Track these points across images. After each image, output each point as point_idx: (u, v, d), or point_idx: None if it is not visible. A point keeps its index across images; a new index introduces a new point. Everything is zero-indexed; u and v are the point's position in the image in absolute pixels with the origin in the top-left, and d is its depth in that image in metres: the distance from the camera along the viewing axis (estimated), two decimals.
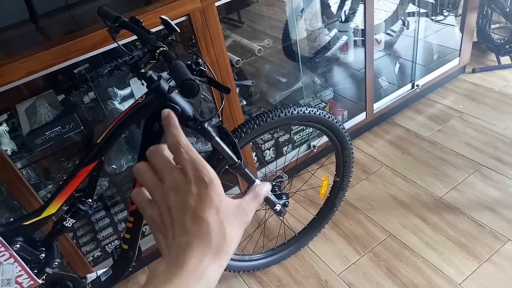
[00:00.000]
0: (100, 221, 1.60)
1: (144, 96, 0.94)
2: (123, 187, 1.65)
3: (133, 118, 0.95)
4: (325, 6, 2.09)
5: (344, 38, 2.14)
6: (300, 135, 1.91)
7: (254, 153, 1.81)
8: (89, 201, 1.00)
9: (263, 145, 1.82)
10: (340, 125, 1.34)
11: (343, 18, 2.09)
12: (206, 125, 0.99)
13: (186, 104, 0.97)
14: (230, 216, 0.37)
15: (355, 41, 2.18)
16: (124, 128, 0.94)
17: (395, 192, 1.78)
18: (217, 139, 1.02)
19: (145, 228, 1.59)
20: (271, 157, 1.87)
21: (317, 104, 2.00)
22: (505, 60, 2.35)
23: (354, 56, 2.18)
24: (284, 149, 1.88)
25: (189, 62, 0.85)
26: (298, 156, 1.86)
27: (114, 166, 1.51)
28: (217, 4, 1.29)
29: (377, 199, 1.77)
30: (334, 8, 2.10)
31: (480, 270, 1.42)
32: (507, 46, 2.18)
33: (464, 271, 1.42)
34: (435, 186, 1.76)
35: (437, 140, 1.99)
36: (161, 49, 0.84)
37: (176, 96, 0.95)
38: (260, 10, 2.20)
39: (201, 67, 0.84)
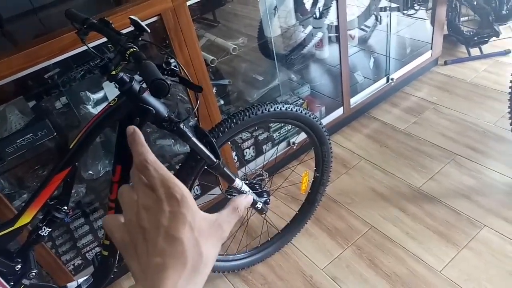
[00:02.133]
0: (79, 229, 1.57)
1: (116, 98, 0.92)
2: (102, 193, 1.62)
3: (106, 122, 0.93)
4: (299, 3, 2.10)
5: (319, 34, 2.16)
6: (279, 132, 1.92)
7: (234, 152, 1.81)
8: (64, 209, 0.97)
9: (242, 144, 1.81)
10: (317, 121, 1.35)
11: (317, 15, 2.10)
12: (181, 125, 0.98)
13: (160, 105, 0.95)
14: (206, 232, 0.35)
15: (330, 37, 2.20)
16: (96, 133, 0.92)
17: (375, 184, 1.81)
18: (194, 139, 1.02)
19: None
20: (251, 156, 1.87)
21: (295, 101, 2.01)
22: (474, 51, 2.42)
23: (330, 52, 2.20)
24: (264, 147, 1.88)
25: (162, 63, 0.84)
26: (278, 154, 1.86)
27: (91, 172, 1.48)
28: (189, 3, 1.28)
29: (357, 192, 1.79)
30: (308, 5, 2.11)
31: (458, 256, 1.46)
32: (475, 38, 2.24)
33: (443, 258, 1.46)
34: (413, 177, 1.80)
35: (413, 131, 2.03)
36: (131, 50, 0.82)
37: (149, 97, 0.94)
38: (235, 9, 2.20)
39: (172, 67, 0.83)
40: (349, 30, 2.22)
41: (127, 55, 0.83)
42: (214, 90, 1.80)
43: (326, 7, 2.10)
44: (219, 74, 1.93)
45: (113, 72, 0.87)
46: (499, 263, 1.40)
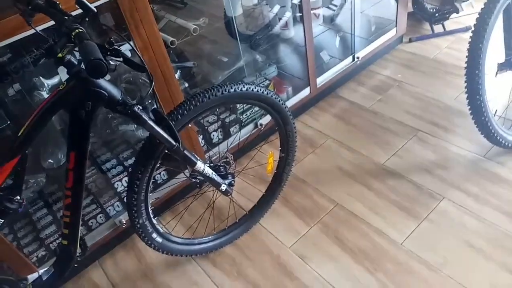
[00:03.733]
0: (42, 219, 1.53)
1: (65, 82, 0.89)
2: (64, 182, 1.58)
3: (55, 107, 0.89)
4: None
5: (287, 14, 2.14)
6: (246, 114, 1.91)
7: (201, 136, 1.79)
8: (17, 198, 0.95)
9: (209, 127, 1.80)
10: (279, 101, 1.35)
11: None
12: (136, 109, 0.96)
13: (113, 88, 0.93)
14: None
15: (295, 17, 2.18)
16: (46, 119, 0.89)
17: (341, 163, 1.84)
18: (150, 123, 1.00)
19: (91, 222, 1.55)
20: (219, 139, 1.86)
21: (261, 82, 2.00)
22: (438, 28, 2.46)
23: (295, 32, 2.18)
24: (232, 129, 1.87)
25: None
26: (248, 136, 1.86)
27: (51, 161, 1.44)
28: None
29: (324, 171, 1.82)
30: None
31: (419, 228, 1.51)
32: (437, 15, 2.28)
33: (405, 231, 1.51)
34: (377, 153, 1.84)
35: (378, 109, 2.07)
36: (77, 30, 0.79)
37: (101, 80, 0.91)
38: None
39: (115, 47, 0.80)
40: (314, 9, 2.21)
41: (72, 36, 0.80)
42: (178, 73, 1.77)
43: None
44: (184, 56, 1.90)
45: (60, 55, 0.83)
46: (457, 232, 1.47)
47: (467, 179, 1.64)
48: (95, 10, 0.85)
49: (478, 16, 1.48)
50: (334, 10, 2.46)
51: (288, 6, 2.07)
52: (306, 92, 2.05)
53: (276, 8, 2.12)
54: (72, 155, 0.96)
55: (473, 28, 1.48)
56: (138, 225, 1.25)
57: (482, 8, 1.47)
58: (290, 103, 2.00)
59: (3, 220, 0.94)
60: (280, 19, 2.10)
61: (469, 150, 1.76)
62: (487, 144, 1.68)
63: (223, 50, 1.98)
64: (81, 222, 1.09)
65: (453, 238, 1.45)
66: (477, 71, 1.48)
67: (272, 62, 2.10)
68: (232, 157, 1.43)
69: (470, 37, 1.49)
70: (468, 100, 1.54)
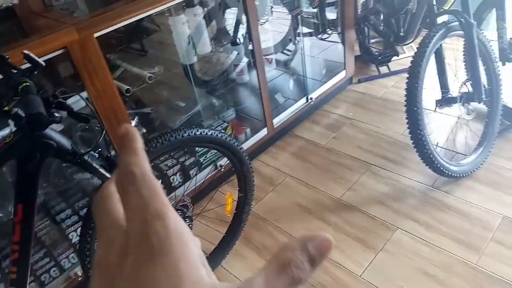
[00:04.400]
0: None
1: (12, 134, 0.90)
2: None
3: (3, 159, 0.90)
4: (220, 30, 2.18)
5: (245, 60, 2.25)
6: (206, 156, 1.94)
7: (160, 180, 1.80)
8: None
9: (168, 171, 1.82)
10: (233, 143, 1.40)
11: (241, 41, 2.19)
12: (86, 157, 0.98)
13: (62, 138, 0.95)
14: None
15: (250, 63, 2.29)
16: None
17: (299, 199, 1.89)
18: (101, 170, 1.01)
19: (44, 277, 1.48)
20: (179, 182, 1.87)
21: (219, 125, 2.06)
22: (383, 69, 2.66)
23: (250, 76, 2.29)
24: (191, 172, 1.89)
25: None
26: (207, 177, 1.89)
27: (1, 214, 1.39)
28: (96, 35, 1.28)
29: (283, 208, 1.86)
30: (231, 31, 2.20)
31: (376, 259, 1.56)
32: (379, 58, 2.47)
33: (362, 263, 1.55)
34: (334, 188, 1.90)
35: (333, 146, 2.17)
36: (24, 84, 0.82)
37: (50, 131, 0.93)
38: (163, 37, 2.23)
39: (60, 100, 0.83)
40: (267, 55, 2.34)
41: (19, 90, 0.82)
42: (135, 119, 1.80)
43: (247, 33, 2.20)
44: (141, 102, 1.94)
45: (6, 108, 0.85)
46: (411, 261, 1.53)
47: (418, 209, 1.73)
48: (44, 64, 0.88)
49: (412, 59, 1.63)
50: (288, 55, 2.62)
51: (243, 53, 2.18)
52: (263, 132, 2.12)
53: (233, 55, 2.23)
54: (20, 207, 0.95)
55: (409, 70, 1.62)
56: None
57: (415, 52, 1.62)
58: (249, 143, 2.06)
59: None
60: (236, 65, 2.20)
61: (417, 181, 1.86)
62: (433, 175, 1.79)
63: (181, 95, 2.04)
64: (31, 278, 1.06)
65: (408, 267, 1.51)
66: (415, 108, 1.61)
67: (230, 105, 2.18)
68: (189, 200, 1.44)
69: (407, 77, 1.63)
70: (410, 135, 1.66)
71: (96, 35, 1.29)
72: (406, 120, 1.65)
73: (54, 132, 0.92)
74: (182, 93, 2.06)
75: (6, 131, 1.30)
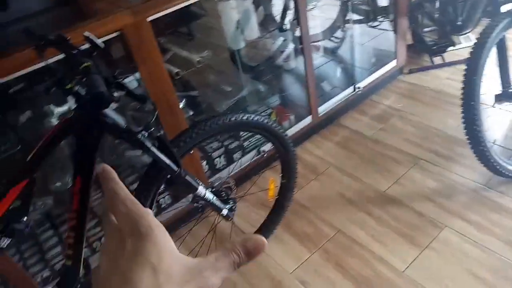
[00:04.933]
0: (48, 241, 1.57)
1: (73, 111, 0.95)
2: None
3: (63, 134, 0.95)
4: (267, 16, 2.17)
5: (291, 46, 2.22)
6: (249, 141, 1.96)
7: (205, 161, 1.84)
8: (24, 220, 0.99)
9: (213, 153, 1.85)
10: (278, 129, 1.40)
11: (288, 27, 2.17)
12: (139, 136, 1.01)
13: (118, 117, 0.99)
14: (176, 279, 0.27)
15: (297, 49, 2.26)
16: (54, 145, 0.95)
17: (343, 190, 1.86)
18: (153, 149, 1.05)
19: (95, 244, 1.57)
20: (223, 165, 1.90)
21: (264, 110, 2.06)
22: (437, 60, 2.53)
23: (297, 63, 2.26)
24: (235, 155, 1.92)
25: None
26: (250, 162, 1.90)
27: (59, 184, 1.49)
28: (150, 19, 1.32)
29: (326, 198, 1.84)
30: (278, 17, 2.18)
31: (421, 256, 1.51)
32: (434, 48, 2.35)
33: (406, 259, 1.51)
34: (379, 181, 1.85)
35: (380, 138, 2.10)
36: (84, 64, 0.86)
37: (108, 109, 0.97)
38: (210, 22, 2.25)
39: (118, 80, 0.86)
40: (315, 42, 2.29)
41: (80, 70, 0.86)
42: (183, 102, 1.84)
43: (294, 19, 2.17)
44: (190, 85, 1.98)
45: (68, 86, 0.90)
46: (458, 261, 1.46)
47: (469, 208, 1.65)
48: (103, 46, 0.91)
49: (471, 50, 1.53)
50: (336, 43, 2.55)
51: (290, 39, 2.16)
52: (308, 120, 2.09)
53: (279, 41, 2.21)
54: (78, 178, 1.00)
55: (467, 61, 1.53)
56: None
57: (475, 43, 1.52)
58: (292, 130, 2.05)
59: (10, 240, 0.98)
60: (282, 51, 2.18)
61: (470, 178, 1.77)
62: (488, 173, 1.69)
63: (227, 80, 2.06)
64: (85, 244, 1.12)
65: (455, 267, 1.45)
66: (472, 103, 1.51)
67: (275, 92, 2.17)
68: (234, 183, 1.46)
69: (464, 70, 1.54)
70: (465, 130, 1.57)
71: (149, 19, 1.32)
72: (462, 115, 1.56)
73: (110, 110, 0.96)
74: (228, 78, 2.08)
75: (65, 108, 1.38)
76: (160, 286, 0.26)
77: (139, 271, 0.26)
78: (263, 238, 0.32)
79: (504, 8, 1.62)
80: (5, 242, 0.98)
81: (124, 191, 0.33)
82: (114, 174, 0.35)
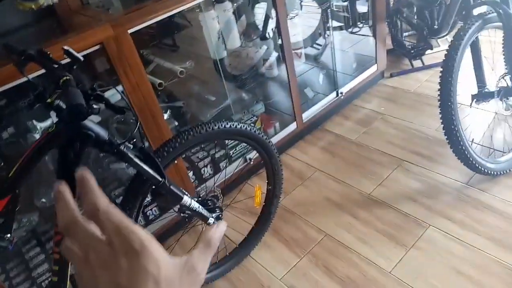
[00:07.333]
0: (34, 258, 1.55)
1: (54, 125, 0.95)
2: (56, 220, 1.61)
3: (45, 148, 0.95)
4: (250, 25, 2.19)
5: (274, 54, 2.25)
6: (236, 149, 1.97)
7: (191, 171, 1.84)
8: (7, 237, 0.98)
9: (199, 163, 1.86)
10: (262, 135, 1.42)
11: (270, 35, 2.19)
12: (122, 148, 1.02)
13: (100, 129, 0.99)
14: (176, 281, 0.30)
15: (279, 57, 2.29)
16: (36, 160, 0.95)
17: (329, 193, 1.88)
18: (136, 160, 1.06)
19: None
20: (209, 174, 1.91)
21: (249, 119, 2.08)
22: (417, 63, 2.59)
23: (280, 71, 2.29)
24: (221, 164, 1.93)
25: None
26: (236, 170, 1.91)
27: (44, 200, 1.48)
28: (131, 31, 1.33)
29: (312, 202, 1.86)
30: (261, 26, 2.21)
31: (407, 256, 1.53)
32: (412, 51, 2.41)
33: (393, 259, 1.53)
34: (364, 184, 1.88)
35: (363, 141, 2.14)
36: (64, 78, 0.87)
37: (89, 122, 0.98)
38: (193, 32, 2.27)
39: (97, 92, 0.87)
40: (296, 49, 2.33)
41: (60, 83, 0.87)
42: (168, 113, 1.85)
43: (276, 28, 2.20)
44: (173, 96, 1.99)
45: (49, 100, 0.90)
46: (444, 259, 1.49)
47: (452, 207, 1.68)
48: (82, 59, 0.93)
49: (445, 52, 1.58)
50: (318, 50, 2.60)
51: (272, 48, 2.19)
52: (293, 126, 2.12)
53: (263, 50, 2.24)
54: None
55: (442, 63, 1.57)
56: None
57: (449, 45, 1.57)
58: (278, 137, 2.07)
59: None
60: (265, 60, 2.21)
61: (452, 178, 1.81)
62: (469, 172, 1.74)
63: (211, 89, 2.08)
64: None
65: (441, 265, 1.47)
66: (449, 103, 1.56)
67: (259, 100, 2.19)
68: (219, 191, 1.47)
69: (440, 71, 1.58)
70: (444, 130, 1.61)
71: (130, 31, 1.34)
72: (440, 115, 1.60)
73: (92, 123, 0.97)
74: (212, 88, 2.10)
75: (47, 123, 1.38)
76: None
77: (143, 286, 0.29)
78: (217, 224, 0.37)
79: (476, 12, 1.68)
80: None
81: (105, 203, 0.32)
82: (94, 183, 0.33)
